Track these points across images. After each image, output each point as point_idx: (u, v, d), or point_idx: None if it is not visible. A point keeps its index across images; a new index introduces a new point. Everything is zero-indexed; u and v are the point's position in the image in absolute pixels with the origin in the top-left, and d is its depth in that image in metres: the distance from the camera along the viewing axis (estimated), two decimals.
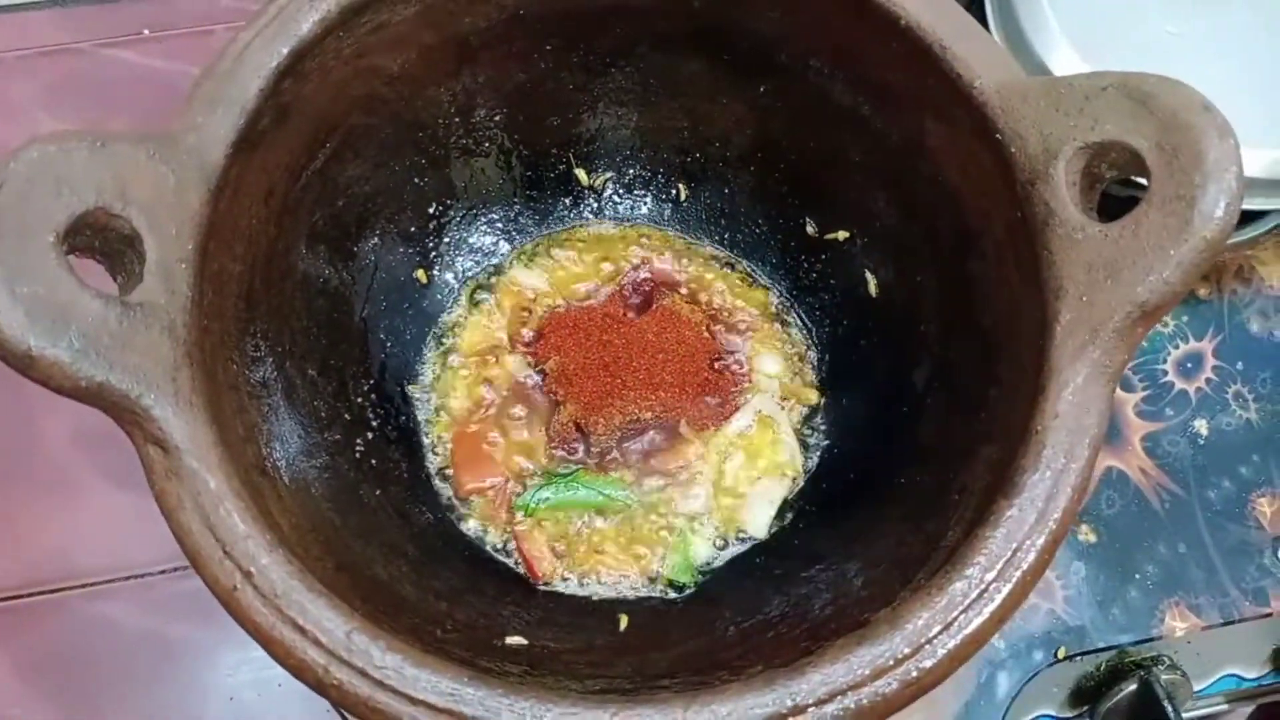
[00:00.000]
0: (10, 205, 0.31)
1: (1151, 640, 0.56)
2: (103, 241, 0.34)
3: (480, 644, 0.39)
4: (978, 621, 0.34)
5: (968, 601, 0.34)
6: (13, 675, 0.54)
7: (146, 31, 0.70)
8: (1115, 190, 0.37)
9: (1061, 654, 0.55)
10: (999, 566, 0.34)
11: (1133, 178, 0.36)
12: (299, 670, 0.33)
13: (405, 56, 0.46)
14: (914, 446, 0.48)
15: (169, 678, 0.55)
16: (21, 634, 0.55)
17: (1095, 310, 0.36)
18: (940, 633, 0.33)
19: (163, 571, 0.56)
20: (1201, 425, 0.60)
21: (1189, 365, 0.61)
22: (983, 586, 0.34)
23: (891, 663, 0.33)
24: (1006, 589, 0.34)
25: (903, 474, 0.46)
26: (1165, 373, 0.61)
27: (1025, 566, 0.34)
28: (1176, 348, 0.61)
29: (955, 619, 0.34)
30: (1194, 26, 0.59)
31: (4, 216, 0.31)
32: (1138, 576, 0.57)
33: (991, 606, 0.34)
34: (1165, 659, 0.55)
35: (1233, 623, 0.56)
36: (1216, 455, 0.59)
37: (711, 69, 0.51)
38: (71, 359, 0.31)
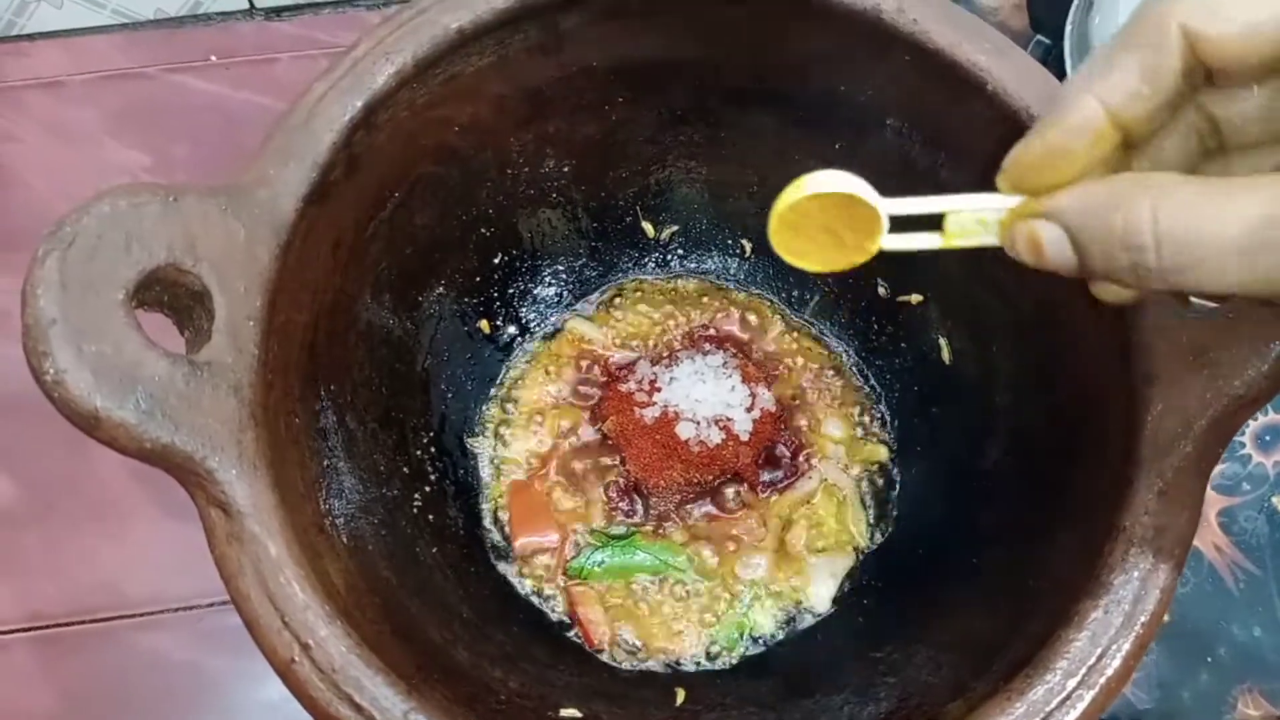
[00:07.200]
0: (79, 262, 0.31)
1: None
2: (171, 297, 0.34)
3: (535, 717, 0.39)
4: None
5: (1049, 709, 0.32)
6: (58, 703, 0.54)
7: (214, 58, 0.70)
8: None
9: None
10: (1082, 673, 0.33)
11: None
12: None
13: (477, 107, 0.46)
14: (987, 524, 0.46)
15: (214, 711, 0.54)
16: (68, 662, 0.55)
17: (1189, 401, 0.34)
18: None
19: (211, 605, 0.56)
20: None
21: (1268, 438, 0.59)
22: (1065, 694, 0.33)
23: None
24: (1090, 696, 0.33)
25: (974, 553, 0.45)
26: (1243, 445, 0.59)
27: (1110, 673, 0.33)
28: (1255, 420, 0.59)
29: None
30: None
31: (73, 273, 0.30)
32: (1210, 659, 0.55)
33: (1074, 715, 0.32)
34: None
35: None
36: None
37: (783, 124, 0.50)
38: (138, 420, 0.30)
